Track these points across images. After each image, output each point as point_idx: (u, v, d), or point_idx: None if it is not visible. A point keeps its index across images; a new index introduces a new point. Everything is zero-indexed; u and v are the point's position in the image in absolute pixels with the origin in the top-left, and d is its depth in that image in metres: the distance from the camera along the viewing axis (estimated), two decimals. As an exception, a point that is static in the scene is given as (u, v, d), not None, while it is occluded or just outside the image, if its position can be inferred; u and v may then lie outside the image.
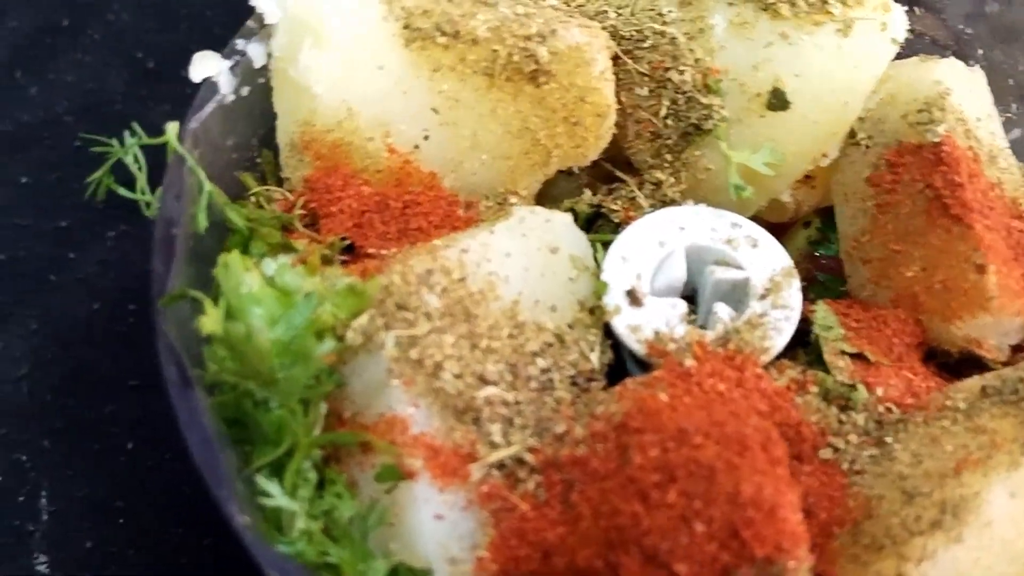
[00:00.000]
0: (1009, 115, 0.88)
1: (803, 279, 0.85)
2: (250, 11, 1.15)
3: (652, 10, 0.82)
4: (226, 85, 0.74)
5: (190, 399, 0.59)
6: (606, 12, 0.83)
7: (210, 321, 0.61)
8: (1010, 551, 0.63)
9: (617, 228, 0.80)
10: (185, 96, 1.03)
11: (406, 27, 0.72)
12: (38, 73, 1.19)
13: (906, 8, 0.87)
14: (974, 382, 0.71)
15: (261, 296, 0.66)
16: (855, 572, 0.63)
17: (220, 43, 1.22)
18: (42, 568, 0.90)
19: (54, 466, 0.94)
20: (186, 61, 1.16)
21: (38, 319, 1.02)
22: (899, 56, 0.86)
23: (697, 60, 0.79)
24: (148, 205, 0.73)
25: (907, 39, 0.88)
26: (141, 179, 0.71)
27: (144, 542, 0.91)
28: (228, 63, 0.74)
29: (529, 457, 0.66)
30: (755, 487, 0.60)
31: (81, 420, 0.96)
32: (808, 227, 0.87)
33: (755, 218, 0.84)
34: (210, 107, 0.72)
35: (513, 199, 0.79)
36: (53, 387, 0.99)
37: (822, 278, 0.86)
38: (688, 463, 0.61)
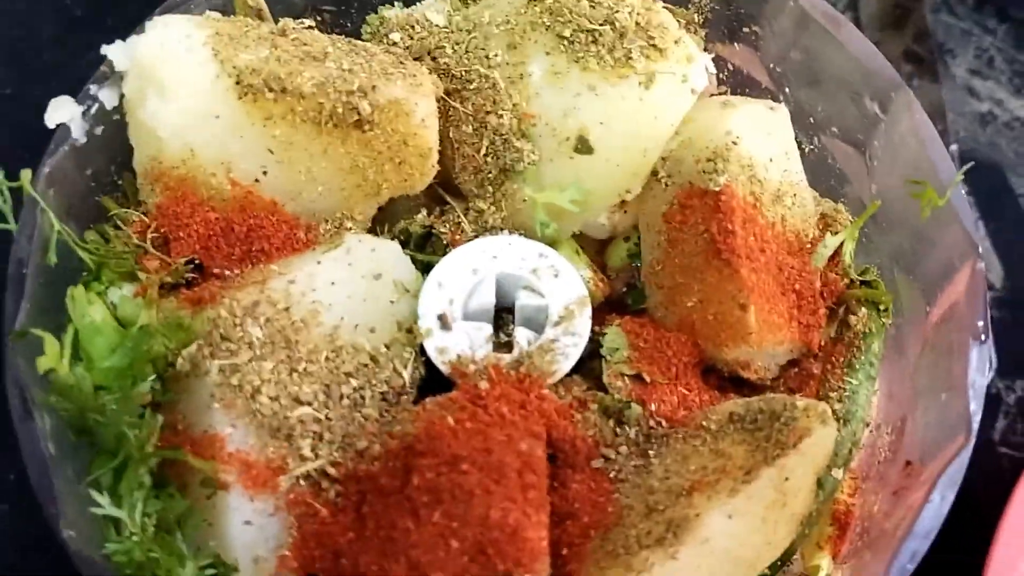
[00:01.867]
0: (812, 147, 0.97)
1: (624, 285, 0.96)
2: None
3: (483, 51, 0.90)
4: (78, 130, 0.83)
5: (30, 429, 0.71)
6: (444, 48, 0.91)
7: (47, 359, 0.72)
8: (732, 556, 0.76)
9: (446, 248, 0.90)
10: (110, 43, 1.09)
11: (238, 83, 0.81)
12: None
13: (727, 43, 0.96)
14: (727, 406, 0.83)
15: (103, 327, 0.77)
16: (594, 575, 0.76)
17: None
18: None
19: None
20: (112, 7, 1.23)
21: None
22: (722, 91, 0.95)
23: (515, 105, 0.88)
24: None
25: (725, 71, 0.97)
26: (7, 211, 0.80)
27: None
28: (81, 108, 0.83)
29: (332, 470, 0.78)
30: (502, 512, 0.72)
31: None
32: (628, 241, 0.97)
33: (579, 234, 0.95)
34: (63, 150, 0.81)
35: (349, 223, 0.88)
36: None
37: (639, 285, 0.96)
38: (454, 488, 0.73)
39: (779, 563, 0.82)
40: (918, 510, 0.71)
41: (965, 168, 0.83)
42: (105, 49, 0.82)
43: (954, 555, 0.97)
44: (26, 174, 0.79)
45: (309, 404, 0.78)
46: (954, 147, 1.26)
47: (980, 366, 0.76)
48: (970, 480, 1.04)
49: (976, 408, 0.74)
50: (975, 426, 0.74)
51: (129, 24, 0.87)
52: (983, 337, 0.77)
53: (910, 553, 0.70)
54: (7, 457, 0.74)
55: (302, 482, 0.77)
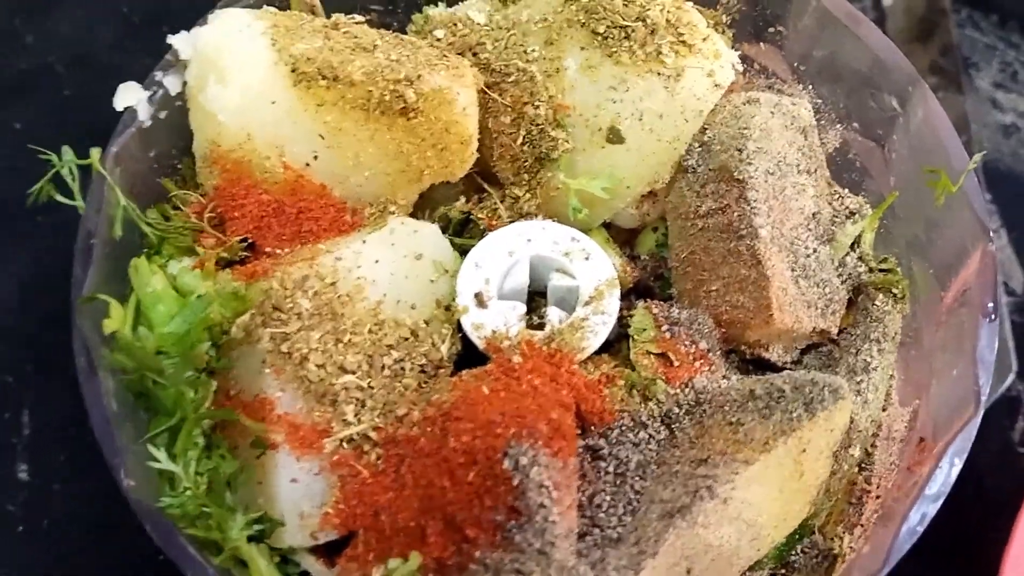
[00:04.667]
0: (834, 132, 1.01)
1: (651, 275, 1.01)
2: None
3: (521, 47, 0.95)
4: (144, 113, 0.89)
5: (95, 385, 0.76)
6: (484, 44, 0.96)
7: (112, 322, 0.78)
8: (750, 523, 0.80)
9: (483, 233, 0.95)
10: (163, 50, 1.15)
11: (293, 71, 0.86)
12: (34, 23, 1.33)
13: (753, 43, 1.01)
14: (748, 383, 0.87)
15: (163, 295, 0.83)
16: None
17: (197, 1, 1.34)
18: (23, 475, 1.09)
19: (36, 388, 1.12)
20: (167, 17, 1.29)
21: (27, 257, 1.18)
22: (749, 86, 1.00)
23: (551, 97, 0.93)
24: (81, 209, 0.88)
25: (752, 70, 1.02)
26: (75, 188, 0.86)
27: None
28: (147, 93, 0.89)
29: (374, 434, 0.83)
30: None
31: (61, 350, 1.10)
32: (656, 231, 1.01)
33: (609, 224, 1.00)
34: (130, 131, 0.87)
35: (392, 207, 0.93)
36: (39, 319, 1.15)
37: (666, 274, 1.00)
38: (488, 450, 0.78)
39: (797, 535, 0.87)
40: (928, 476, 0.75)
41: (978, 156, 0.88)
42: (171, 38, 0.89)
43: (973, 552, 1.02)
44: (95, 152, 0.85)
45: (353, 373, 0.83)
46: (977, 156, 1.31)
47: (989, 343, 0.80)
48: (990, 480, 1.09)
49: (985, 381, 0.78)
50: (983, 398, 0.78)
51: (184, 30, 0.92)
52: (992, 316, 0.81)
53: (919, 516, 0.74)
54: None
55: (345, 445, 0.82)
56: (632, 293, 0.98)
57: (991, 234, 0.85)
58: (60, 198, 0.87)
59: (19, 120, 1.27)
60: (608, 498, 0.82)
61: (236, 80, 0.87)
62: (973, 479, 1.10)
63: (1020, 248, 1.26)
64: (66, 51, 1.31)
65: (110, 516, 1.05)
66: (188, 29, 0.92)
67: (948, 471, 0.76)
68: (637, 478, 0.84)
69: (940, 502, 0.75)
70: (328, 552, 0.82)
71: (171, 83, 0.90)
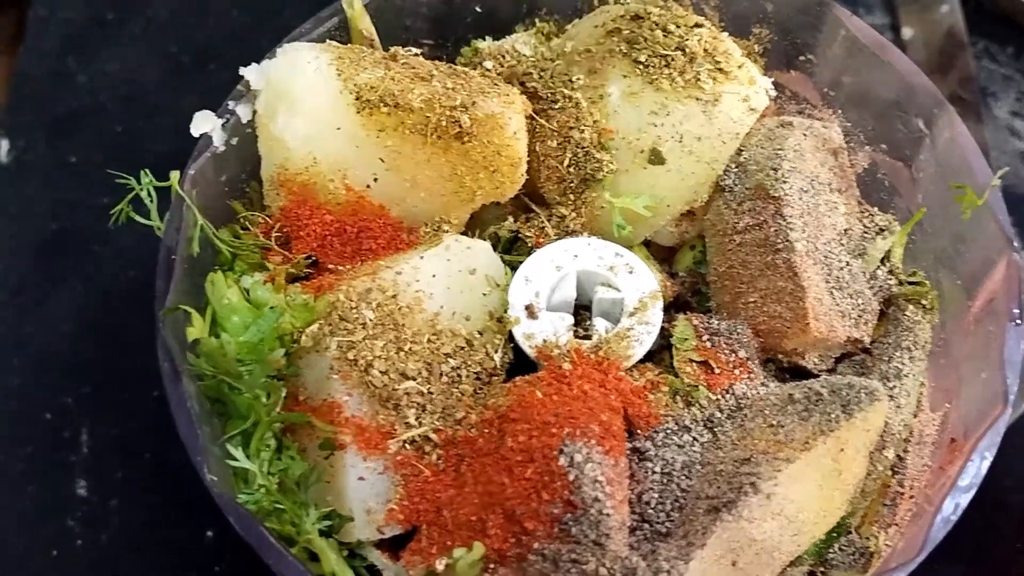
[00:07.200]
0: (863, 153, 1.06)
1: (689, 290, 1.06)
2: (275, 14, 1.35)
3: (566, 75, 1.01)
4: (218, 139, 0.95)
5: (178, 389, 0.82)
6: (531, 74, 1.03)
7: (194, 330, 0.84)
8: (792, 520, 0.84)
9: (531, 251, 1.00)
10: (210, 88, 1.22)
11: (357, 99, 0.93)
12: (87, 63, 1.40)
13: (784, 71, 1.06)
14: (787, 388, 0.92)
15: (238, 307, 0.89)
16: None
17: (244, 41, 1.39)
18: (81, 492, 1.14)
19: (93, 409, 1.18)
20: (214, 56, 1.37)
21: (84, 284, 1.25)
22: (781, 111, 1.06)
23: (595, 121, 0.99)
24: (158, 228, 0.94)
25: (784, 96, 1.08)
26: (153, 210, 0.92)
27: (165, 473, 1.14)
28: (221, 120, 0.95)
29: (434, 436, 0.88)
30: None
31: (118, 372, 1.19)
32: (694, 249, 1.06)
33: (649, 242, 1.05)
34: (206, 155, 0.94)
35: (446, 227, 0.99)
36: (96, 343, 1.21)
37: (704, 290, 1.05)
38: (544, 448, 0.83)
39: (835, 534, 0.91)
40: (960, 470, 0.79)
41: (1002, 171, 0.93)
42: (243, 70, 0.95)
43: (997, 566, 1.06)
44: (175, 175, 0.91)
45: (414, 379, 0.88)
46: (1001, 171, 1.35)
47: (1015, 345, 0.85)
48: (1013, 497, 1.12)
49: (1012, 381, 0.83)
50: (1012, 396, 0.82)
51: (230, 69, 0.97)
52: (1018, 321, 0.86)
53: (953, 505, 0.78)
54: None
55: (408, 446, 0.87)
56: (671, 307, 1.02)
57: (1015, 244, 0.90)
58: (138, 218, 0.93)
59: (73, 154, 1.33)
60: (656, 496, 0.87)
61: (305, 108, 0.93)
62: (997, 497, 1.14)
63: (1041, 270, 1.30)
64: (117, 89, 1.38)
65: (165, 531, 1.12)
66: (233, 69, 0.97)
67: (979, 464, 0.80)
68: (683, 477, 0.88)
69: (972, 492, 0.80)
70: (393, 546, 0.87)
71: (242, 111, 0.96)
